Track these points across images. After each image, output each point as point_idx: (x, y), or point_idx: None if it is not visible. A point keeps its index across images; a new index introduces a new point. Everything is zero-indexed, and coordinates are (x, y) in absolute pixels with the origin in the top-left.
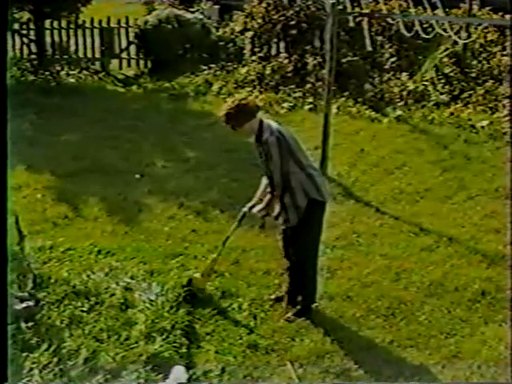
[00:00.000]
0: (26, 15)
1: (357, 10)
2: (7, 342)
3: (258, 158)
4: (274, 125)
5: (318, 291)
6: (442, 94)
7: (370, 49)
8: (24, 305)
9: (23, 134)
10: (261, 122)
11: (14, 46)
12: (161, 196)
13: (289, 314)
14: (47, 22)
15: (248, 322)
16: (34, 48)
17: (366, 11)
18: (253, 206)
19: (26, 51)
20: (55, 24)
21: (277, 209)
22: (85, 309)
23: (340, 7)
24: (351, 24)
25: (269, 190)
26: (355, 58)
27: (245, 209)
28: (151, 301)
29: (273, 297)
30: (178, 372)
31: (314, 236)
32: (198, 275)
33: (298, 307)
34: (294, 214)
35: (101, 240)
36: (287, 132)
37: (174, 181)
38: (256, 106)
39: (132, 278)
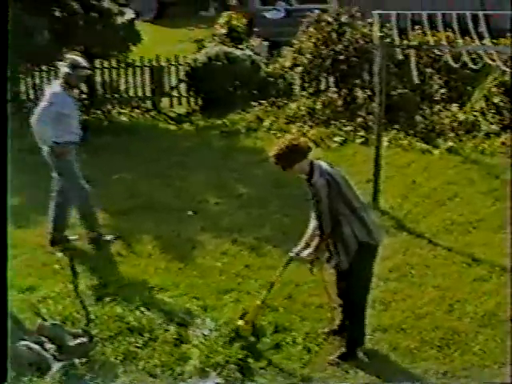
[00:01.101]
0: (75, 55)
1: (404, 42)
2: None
3: (310, 198)
4: (325, 166)
5: (367, 328)
6: (492, 123)
7: (417, 81)
8: (78, 341)
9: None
10: (311, 163)
11: None
12: (214, 232)
13: (333, 357)
14: (97, 62)
15: (302, 355)
16: (84, 88)
17: (414, 43)
18: (300, 251)
19: (75, 90)
20: (105, 63)
21: (327, 252)
22: (139, 345)
23: (388, 40)
24: (399, 56)
25: (317, 232)
26: (405, 91)
27: (291, 254)
28: (205, 336)
29: (326, 330)
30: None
31: (364, 279)
32: (241, 323)
33: (343, 350)
34: (345, 258)
35: (154, 277)
36: (338, 173)
37: (226, 217)
38: (307, 147)
39: (186, 313)
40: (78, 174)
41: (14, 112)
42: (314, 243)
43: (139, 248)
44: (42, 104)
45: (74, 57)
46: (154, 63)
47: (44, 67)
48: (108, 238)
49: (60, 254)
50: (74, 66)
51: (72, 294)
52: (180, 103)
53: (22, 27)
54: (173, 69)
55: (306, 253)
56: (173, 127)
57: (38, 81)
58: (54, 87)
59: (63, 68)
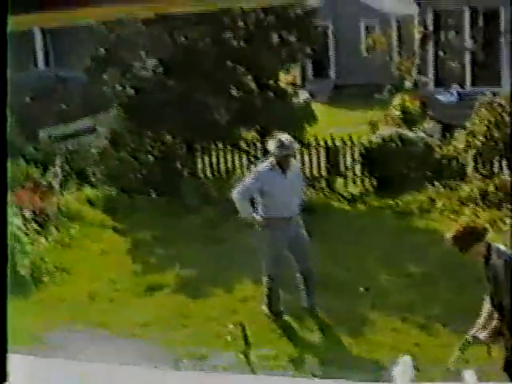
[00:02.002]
0: (251, 134)
1: None
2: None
3: (486, 281)
4: (503, 248)
5: None
6: None
7: None
8: None
9: (251, 246)
10: (489, 244)
11: (241, 164)
12: (384, 309)
13: None
14: None
15: None
16: None
17: None
18: (477, 332)
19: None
20: None
21: (507, 334)
22: None
23: None
24: None
25: (495, 315)
26: None
27: (468, 337)
28: None
29: None
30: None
31: None
32: None
33: None
34: None
35: (325, 350)
36: None
37: (397, 295)
38: (484, 229)
39: None
40: (281, 249)
41: (191, 189)
42: (492, 325)
43: (311, 322)
44: (246, 180)
45: (279, 136)
46: (329, 143)
47: (220, 145)
48: (285, 317)
49: (232, 326)
50: (280, 145)
51: (243, 365)
52: (354, 183)
53: (200, 105)
54: (347, 149)
55: (483, 335)
56: (346, 207)
57: (214, 158)
58: (261, 165)
59: (270, 147)
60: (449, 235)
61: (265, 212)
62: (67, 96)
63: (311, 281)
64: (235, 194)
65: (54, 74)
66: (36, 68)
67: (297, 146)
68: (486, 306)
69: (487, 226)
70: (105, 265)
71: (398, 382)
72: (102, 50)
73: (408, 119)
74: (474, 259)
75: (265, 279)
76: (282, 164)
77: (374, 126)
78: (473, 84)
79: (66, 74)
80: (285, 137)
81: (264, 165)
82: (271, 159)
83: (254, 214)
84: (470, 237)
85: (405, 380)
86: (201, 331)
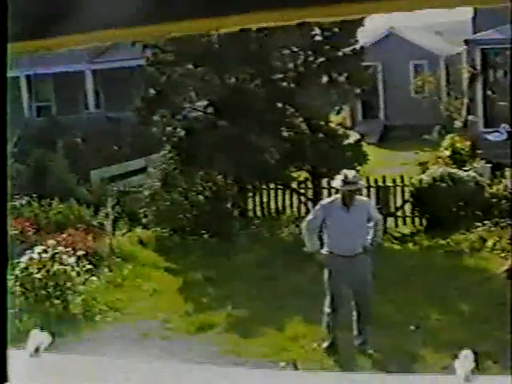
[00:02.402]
0: (303, 174)
1: None
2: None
3: None
4: None
5: None
6: None
7: None
8: None
9: (302, 285)
10: None
11: (291, 204)
12: (435, 347)
13: None
14: (324, 181)
15: None
16: (310, 206)
17: None
18: None
19: (303, 210)
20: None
21: None
22: None
23: None
24: None
25: None
26: None
27: None
28: None
29: None
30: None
31: None
32: None
33: None
34: None
35: None
36: None
37: (447, 333)
38: None
39: None
40: (339, 287)
41: (240, 228)
42: None
43: (363, 359)
44: (311, 213)
45: (345, 171)
46: (380, 184)
47: (271, 185)
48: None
49: (284, 363)
50: (344, 180)
51: None
52: (404, 223)
53: (251, 145)
54: (398, 189)
55: None
56: (397, 247)
57: (265, 198)
58: (325, 199)
59: (335, 182)
60: (503, 269)
61: (327, 247)
62: (118, 137)
63: (366, 321)
64: (303, 228)
65: (104, 115)
66: (86, 110)
67: (362, 183)
68: None
69: None
70: (157, 304)
71: (459, 372)
72: (152, 91)
73: (458, 159)
74: None
75: (323, 315)
76: (346, 200)
77: (424, 167)
78: None
79: (116, 115)
80: (350, 173)
81: (328, 199)
82: (338, 194)
83: (320, 249)
84: None
85: (465, 371)
86: (253, 369)
